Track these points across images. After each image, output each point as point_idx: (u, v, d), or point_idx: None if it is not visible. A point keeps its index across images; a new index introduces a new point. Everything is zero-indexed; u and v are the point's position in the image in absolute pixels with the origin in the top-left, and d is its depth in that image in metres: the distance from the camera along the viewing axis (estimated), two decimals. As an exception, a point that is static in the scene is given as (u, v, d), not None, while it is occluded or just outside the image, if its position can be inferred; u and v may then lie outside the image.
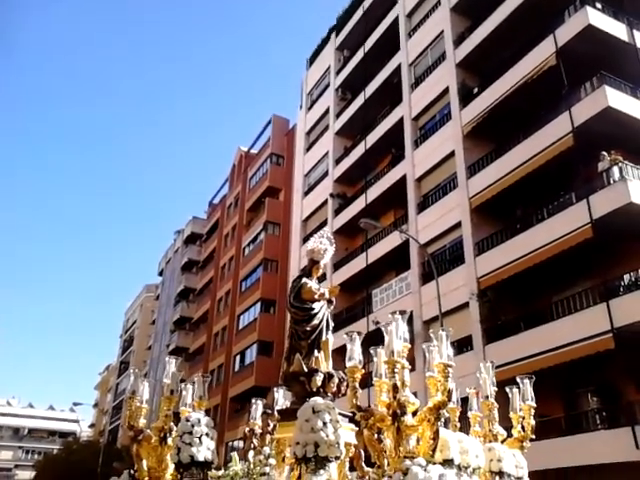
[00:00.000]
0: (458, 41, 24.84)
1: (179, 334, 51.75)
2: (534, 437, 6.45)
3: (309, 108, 38.31)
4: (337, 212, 31.54)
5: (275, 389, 7.06)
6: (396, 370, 4.74)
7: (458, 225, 22.56)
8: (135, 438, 6.40)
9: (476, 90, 23.53)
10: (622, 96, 18.44)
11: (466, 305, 20.97)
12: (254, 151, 47.43)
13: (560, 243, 17.89)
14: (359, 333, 5.26)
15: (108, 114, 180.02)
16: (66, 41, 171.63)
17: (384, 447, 4.88)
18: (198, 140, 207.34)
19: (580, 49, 18.85)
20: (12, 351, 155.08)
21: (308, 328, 6.08)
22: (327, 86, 36.31)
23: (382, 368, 5.08)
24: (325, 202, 33.05)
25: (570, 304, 17.97)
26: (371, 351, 5.24)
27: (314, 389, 5.66)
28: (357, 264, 28.21)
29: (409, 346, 5.08)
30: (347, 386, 5.77)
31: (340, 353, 6.79)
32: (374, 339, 5.55)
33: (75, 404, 55.79)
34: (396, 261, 25.90)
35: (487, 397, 6.37)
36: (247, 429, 6.95)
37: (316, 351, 6.04)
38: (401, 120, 27.77)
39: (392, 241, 25.79)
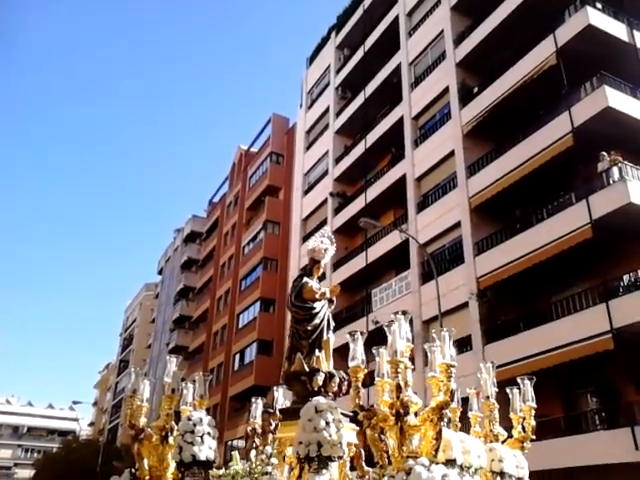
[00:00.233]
0: (458, 40, 24.85)
1: (179, 333, 51.76)
2: (534, 437, 6.47)
3: (309, 107, 38.31)
4: (337, 211, 31.55)
5: (275, 388, 7.07)
6: (399, 370, 4.75)
7: (458, 225, 22.57)
8: (136, 437, 6.40)
9: (476, 90, 23.55)
10: (622, 96, 18.45)
11: (466, 305, 20.99)
12: (254, 150, 47.42)
13: (560, 243, 17.90)
14: (362, 333, 5.27)
15: (108, 114, 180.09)
16: (66, 41, 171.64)
17: (386, 447, 4.89)
18: (198, 139, 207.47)
19: (580, 49, 18.85)
20: (12, 349, 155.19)
21: (309, 327, 6.10)
22: (327, 85, 36.31)
23: (384, 368, 5.08)
24: (325, 201, 33.06)
25: (570, 304, 17.98)
26: (373, 351, 5.25)
27: (315, 388, 5.68)
28: (357, 263, 28.22)
29: (411, 346, 5.09)
30: (348, 386, 5.79)
31: (339, 352, 6.82)
32: (373, 338, 5.56)
33: (74, 403, 55.59)
34: (396, 261, 25.91)
35: (488, 397, 6.38)
36: (249, 428, 6.95)
37: (317, 350, 6.05)
38: (401, 119, 27.78)
39: (392, 240, 25.80)
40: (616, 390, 17.09)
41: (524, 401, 6.40)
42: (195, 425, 5.66)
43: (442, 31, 26.12)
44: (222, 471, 6.15)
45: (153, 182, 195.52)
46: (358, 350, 5.15)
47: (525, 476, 6.00)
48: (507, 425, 6.58)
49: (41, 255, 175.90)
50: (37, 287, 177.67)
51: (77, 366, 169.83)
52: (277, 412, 6.51)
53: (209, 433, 5.71)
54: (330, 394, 5.79)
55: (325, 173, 34.11)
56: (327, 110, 35.47)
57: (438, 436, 4.65)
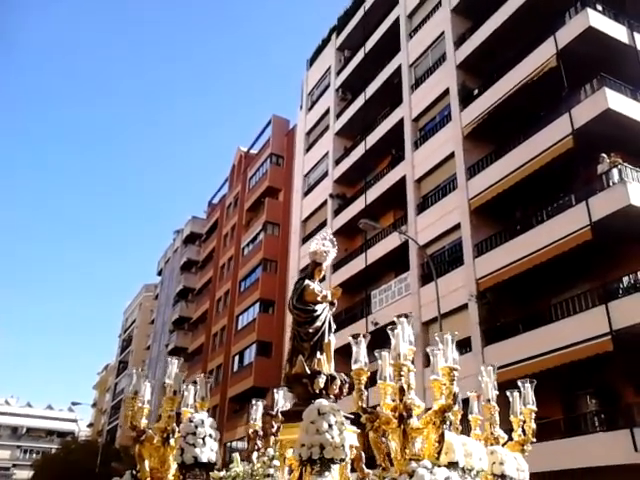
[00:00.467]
0: (459, 42, 24.88)
1: (178, 334, 51.74)
2: (534, 440, 6.48)
3: (309, 108, 38.34)
4: (337, 213, 31.56)
5: (275, 390, 7.08)
6: (402, 373, 4.76)
7: (457, 226, 22.59)
8: (137, 438, 6.41)
9: (476, 91, 23.58)
10: (622, 98, 18.47)
11: (465, 306, 21.01)
12: (254, 151, 47.45)
13: (559, 245, 17.92)
14: (364, 336, 5.28)
15: (108, 114, 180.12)
16: (66, 41, 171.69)
17: (388, 449, 4.90)
18: (198, 140, 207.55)
19: (580, 51, 18.89)
20: (11, 350, 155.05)
21: (311, 330, 6.11)
22: (327, 86, 36.35)
23: (387, 371, 5.09)
24: (325, 203, 33.08)
25: (569, 306, 18.00)
26: (376, 354, 5.26)
27: (317, 391, 5.69)
28: (356, 265, 28.24)
29: (414, 349, 5.10)
30: (349, 388, 5.80)
31: (340, 354, 6.84)
32: (373, 340, 5.57)
33: (74, 404, 55.65)
34: (395, 262, 25.93)
35: (488, 400, 6.39)
36: (251, 430, 6.97)
37: (319, 353, 6.06)
38: (401, 121, 27.81)
39: (391, 242, 25.82)
40: (615, 392, 17.11)
41: (524, 404, 6.41)
42: (197, 427, 5.68)
43: (443, 33, 26.16)
44: (223, 473, 6.16)
45: (153, 183, 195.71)
46: (361, 353, 5.16)
47: (525, 478, 6.02)
48: (507, 427, 6.59)
49: (40, 255, 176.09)
50: (36, 287, 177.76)
51: (76, 367, 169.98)
52: (278, 414, 6.52)
53: (211, 435, 5.73)
54: (331, 396, 5.81)
55: (325, 174, 34.14)
56: (327, 112, 35.51)
57: (441, 439, 4.66)
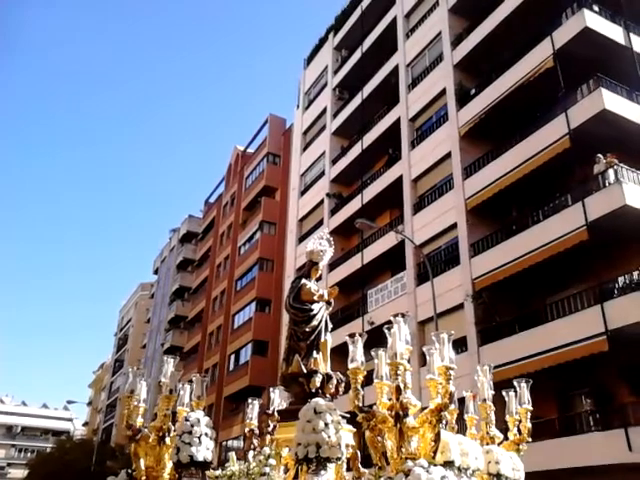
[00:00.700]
0: (456, 42, 24.90)
1: (174, 333, 51.71)
2: (529, 439, 6.50)
3: (306, 108, 38.33)
4: (333, 212, 31.57)
5: (271, 389, 7.10)
6: (399, 372, 4.77)
7: (454, 226, 22.62)
8: (133, 437, 6.42)
9: (473, 91, 23.61)
10: (618, 99, 18.52)
11: (461, 306, 21.04)
12: (250, 150, 47.42)
13: (555, 245, 17.95)
14: (361, 335, 5.29)
15: (104, 113, 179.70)
16: (64, 41, 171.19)
17: (384, 448, 4.91)
18: (194, 139, 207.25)
19: (577, 51, 18.94)
20: (6, 349, 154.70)
21: (307, 329, 6.13)
22: (324, 86, 36.33)
23: (383, 370, 5.10)
24: (321, 202, 33.07)
25: (565, 306, 18.05)
26: (372, 353, 5.27)
27: (313, 390, 5.71)
28: (353, 264, 28.25)
29: (411, 348, 5.11)
30: (345, 387, 5.82)
31: (336, 353, 6.85)
32: (369, 339, 5.57)
33: (69, 402, 55.49)
34: (392, 262, 25.95)
35: (484, 400, 6.40)
36: (247, 429, 6.98)
37: (315, 352, 6.08)
38: (398, 121, 27.82)
39: (388, 242, 25.85)
40: (610, 392, 17.16)
41: (520, 403, 6.42)
42: (193, 426, 5.68)
43: (440, 33, 26.18)
44: (219, 472, 6.16)
45: (149, 181, 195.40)
46: (357, 352, 5.17)
47: (521, 478, 6.04)
48: (502, 427, 6.61)
49: (36, 254, 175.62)
50: (31, 286, 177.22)
51: (72, 366, 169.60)
52: (275, 413, 6.53)
53: (207, 434, 5.73)
54: (328, 395, 5.82)
55: (322, 174, 34.14)
56: (324, 111, 35.50)
57: (437, 438, 4.67)
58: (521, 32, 21.24)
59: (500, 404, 6.59)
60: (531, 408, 6.44)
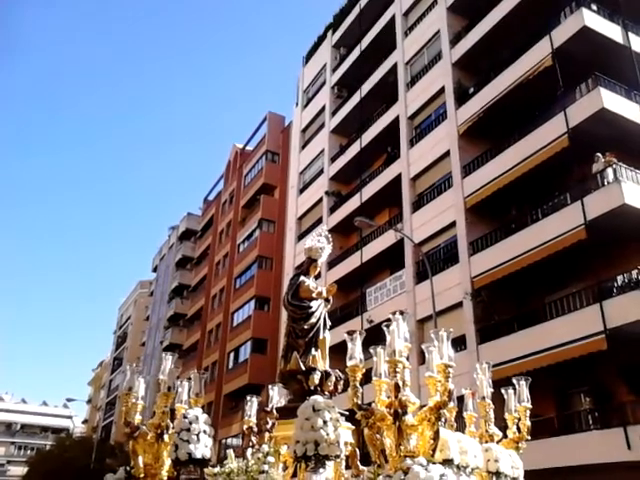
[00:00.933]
0: (454, 40, 24.89)
1: (173, 331, 51.68)
2: (528, 438, 6.50)
3: (305, 106, 38.31)
4: (332, 210, 31.57)
5: (270, 387, 7.09)
6: (398, 370, 4.77)
7: (453, 224, 22.62)
8: (131, 435, 6.41)
9: (472, 90, 23.60)
10: (617, 98, 18.53)
11: (460, 305, 21.04)
12: (249, 148, 47.40)
13: (554, 244, 17.96)
14: (360, 333, 5.30)
15: (103, 111, 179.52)
16: (63, 39, 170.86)
17: (383, 446, 4.91)
18: (193, 137, 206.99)
19: (576, 50, 18.94)
20: (5, 346, 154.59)
21: (306, 326, 6.14)
22: (323, 84, 36.32)
23: (382, 367, 5.11)
24: (320, 200, 33.07)
25: (564, 305, 18.06)
26: (371, 350, 5.28)
27: (312, 387, 5.71)
28: (352, 262, 28.25)
29: (410, 346, 5.11)
30: (344, 385, 5.82)
31: (334, 351, 6.85)
32: (368, 337, 5.58)
33: (68, 400, 55.56)
34: (391, 260, 25.96)
35: (483, 398, 6.40)
36: (246, 427, 6.97)
37: (313, 349, 6.09)
38: (397, 119, 27.81)
39: (387, 240, 25.85)
40: (609, 390, 17.18)
41: (519, 401, 6.42)
42: (191, 423, 5.67)
43: (438, 31, 26.17)
44: (217, 469, 6.16)
45: (148, 179, 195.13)
46: (356, 349, 5.17)
47: (520, 476, 6.03)
48: (501, 425, 6.61)
49: (35, 252, 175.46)
50: (31, 283, 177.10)
51: (71, 363, 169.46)
52: (273, 411, 6.53)
53: (205, 431, 5.72)
54: (326, 393, 5.83)
55: (320, 172, 34.13)
56: (323, 109, 35.49)
57: (436, 436, 4.67)
58: (520, 31, 21.25)
59: (499, 402, 6.59)
60: (530, 406, 6.44)
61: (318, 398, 4.97)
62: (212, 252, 48.90)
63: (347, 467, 5.62)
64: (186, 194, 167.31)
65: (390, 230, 24.68)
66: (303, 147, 37.22)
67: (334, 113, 34.01)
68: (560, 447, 16.35)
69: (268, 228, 39.76)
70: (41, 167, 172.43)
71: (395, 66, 28.93)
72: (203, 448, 5.65)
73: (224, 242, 46.68)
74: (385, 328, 5.04)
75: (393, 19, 29.95)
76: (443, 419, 4.92)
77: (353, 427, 5.70)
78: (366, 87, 30.82)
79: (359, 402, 4.99)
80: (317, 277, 6.97)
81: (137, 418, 6.57)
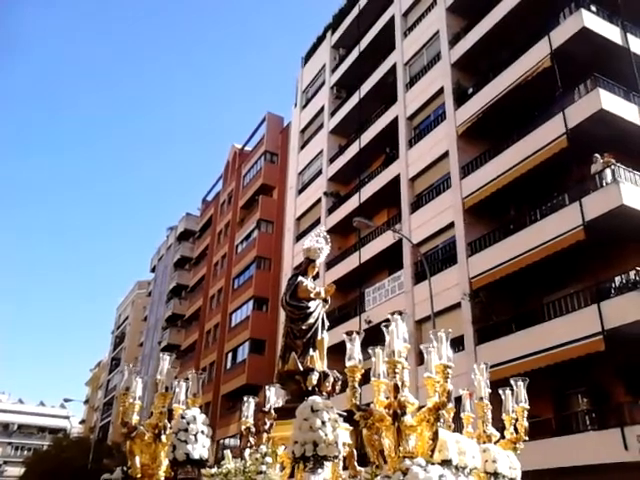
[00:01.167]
0: (453, 41, 24.90)
1: (171, 331, 51.62)
2: (526, 438, 6.49)
3: (304, 106, 38.31)
4: (330, 211, 31.57)
5: (267, 387, 7.08)
6: (397, 370, 4.76)
7: (451, 225, 22.62)
8: (128, 435, 6.39)
9: (471, 90, 23.61)
10: (615, 99, 18.54)
11: (458, 305, 21.04)
12: (248, 148, 47.38)
13: (552, 244, 17.97)
14: (359, 333, 5.29)
15: (102, 111, 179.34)
16: (62, 39, 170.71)
17: (382, 447, 4.90)
18: (192, 137, 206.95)
19: (574, 51, 18.95)
20: (3, 346, 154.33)
21: (304, 327, 6.13)
22: (322, 84, 36.32)
23: (380, 368, 5.09)
24: (319, 200, 33.06)
25: (562, 305, 18.05)
26: (369, 351, 5.27)
27: (310, 388, 5.70)
28: (350, 263, 28.24)
29: (409, 346, 5.10)
30: (342, 385, 5.80)
31: (333, 352, 6.84)
32: (367, 338, 5.57)
33: (66, 400, 55.37)
34: (389, 260, 25.96)
35: (481, 399, 6.39)
36: (244, 427, 6.96)
37: (311, 350, 6.08)
38: (396, 119, 27.82)
39: (385, 240, 25.84)
40: (606, 391, 17.18)
41: (517, 402, 6.41)
42: (189, 423, 5.66)
43: (437, 32, 26.18)
44: (215, 470, 6.14)
45: (146, 179, 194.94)
46: (355, 350, 5.16)
47: (518, 477, 6.03)
48: (499, 425, 6.60)
49: (33, 252, 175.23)
50: (28, 284, 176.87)
51: (68, 364, 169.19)
52: (271, 411, 6.51)
53: (203, 432, 5.71)
54: (324, 393, 5.82)
55: (319, 172, 34.13)
56: (322, 109, 35.49)
57: (435, 436, 4.66)
58: (519, 31, 21.27)
59: (497, 403, 6.58)
60: (528, 407, 6.43)
61: (317, 398, 4.96)
62: (210, 252, 48.86)
63: (344, 468, 5.61)
64: (185, 194, 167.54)
65: (389, 231, 24.67)
66: (302, 148, 37.22)
67: (333, 114, 34.02)
68: (558, 448, 16.36)
69: (266, 228, 39.75)
70: (41, 167, 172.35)
71: (394, 67, 28.94)
72: (201, 448, 5.64)
73: (222, 242, 46.65)
74: (384, 328, 5.03)
75: (392, 20, 29.96)
76: (442, 420, 4.90)
77: (351, 428, 5.68)
78: (365, 88, 30.82)
79: (358, 403, 4.98)
80: (315, 277, 6.95)
81: (135, 418, 6.55)
